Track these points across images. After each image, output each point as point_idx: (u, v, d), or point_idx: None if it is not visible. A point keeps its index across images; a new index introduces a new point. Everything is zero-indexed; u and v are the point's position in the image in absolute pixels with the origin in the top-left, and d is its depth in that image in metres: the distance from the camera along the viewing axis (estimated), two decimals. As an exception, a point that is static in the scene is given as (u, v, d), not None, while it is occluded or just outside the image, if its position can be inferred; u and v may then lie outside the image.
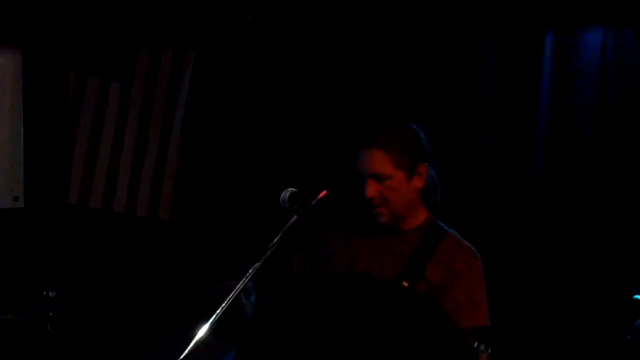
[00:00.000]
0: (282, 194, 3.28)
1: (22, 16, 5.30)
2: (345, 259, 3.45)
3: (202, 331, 3.04)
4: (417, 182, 3.43)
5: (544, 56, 4.94)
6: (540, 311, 4.84)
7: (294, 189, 3.29)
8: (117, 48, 5.48)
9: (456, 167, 5.00)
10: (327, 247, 3.53)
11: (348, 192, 3.46)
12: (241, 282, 3.08)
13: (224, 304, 3.05)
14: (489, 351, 2.98)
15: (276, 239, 3.15)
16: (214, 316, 3.05)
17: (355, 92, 5.19)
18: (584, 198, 4.87)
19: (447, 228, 3.50)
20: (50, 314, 4.27)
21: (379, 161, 3.36)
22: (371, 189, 3.38)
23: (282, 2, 5.25)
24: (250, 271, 3.10)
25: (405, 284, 3.33)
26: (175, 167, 5.50)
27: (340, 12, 5.19)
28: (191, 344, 3.01)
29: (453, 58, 5.10)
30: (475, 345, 2.94)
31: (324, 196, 3.26)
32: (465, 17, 5.04)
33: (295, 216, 3.22)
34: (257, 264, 3.10)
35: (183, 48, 5.48)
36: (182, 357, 2.99)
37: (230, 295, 3.06)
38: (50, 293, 4.28)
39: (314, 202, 3.25)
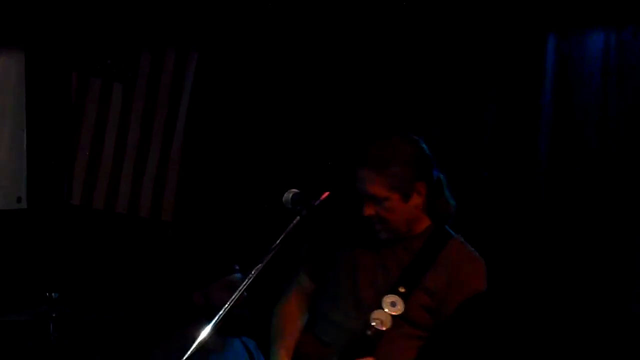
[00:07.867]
0: (285, 195, 3.28)
1: (26, 18, 5.30)
2: (349, 267, 3.42)
3: (205, 332, 3.04)
4: (416, 200, 3.35)
5: (546, 59, 4.95)
6: (542, 309, 4.85)
7: (296, 190, 3.29)
8: (120, 49, 5.48)
9: (457, 171, 5.00)
10: (332, 256, 3.49)
11: (351, 199, 3.41)
12: (244, 283, 3.09)
13: (226, 305, 3.06)
14: None
15: (279, 240, 3.15)
16: (216, 318, 3.05)
17: (357, 94, 5.19)
18: (588, 200, 4.87)
19: (453, 233, 3.43)
20: (53, 315, 4.28)
21: (373, 184, 3.28)
22: (368, 210, 3.32)
23: (285, 4, 5.25)
24: (253, 272, 3.10)
25: (402, 289, 3.31)
26: (178, 168, 5.51)
27: (343, 15, 5.19)
28: (194, 345, 3.01)
29: (455, 61, 5.10)
30: None
31: (327, 197, 3.25)
32: (466, 21, 5.05)
33: (298, 217, 3.21)
34: (259, 264, 3.10)
35: (186, 50, 5.49)
36: (185, 357, 3.00)
37: (233, 296, 3.07)
38: (53, 294, 4.29)
39: (316, 203, 3.24)
